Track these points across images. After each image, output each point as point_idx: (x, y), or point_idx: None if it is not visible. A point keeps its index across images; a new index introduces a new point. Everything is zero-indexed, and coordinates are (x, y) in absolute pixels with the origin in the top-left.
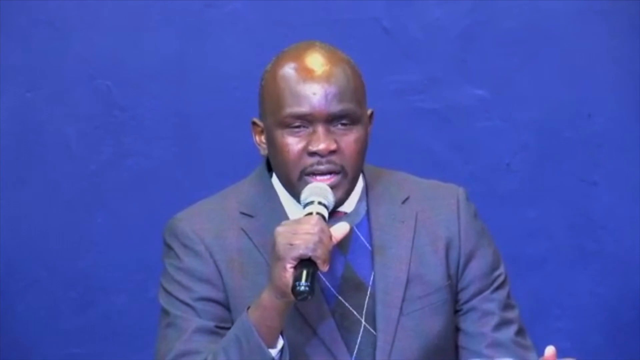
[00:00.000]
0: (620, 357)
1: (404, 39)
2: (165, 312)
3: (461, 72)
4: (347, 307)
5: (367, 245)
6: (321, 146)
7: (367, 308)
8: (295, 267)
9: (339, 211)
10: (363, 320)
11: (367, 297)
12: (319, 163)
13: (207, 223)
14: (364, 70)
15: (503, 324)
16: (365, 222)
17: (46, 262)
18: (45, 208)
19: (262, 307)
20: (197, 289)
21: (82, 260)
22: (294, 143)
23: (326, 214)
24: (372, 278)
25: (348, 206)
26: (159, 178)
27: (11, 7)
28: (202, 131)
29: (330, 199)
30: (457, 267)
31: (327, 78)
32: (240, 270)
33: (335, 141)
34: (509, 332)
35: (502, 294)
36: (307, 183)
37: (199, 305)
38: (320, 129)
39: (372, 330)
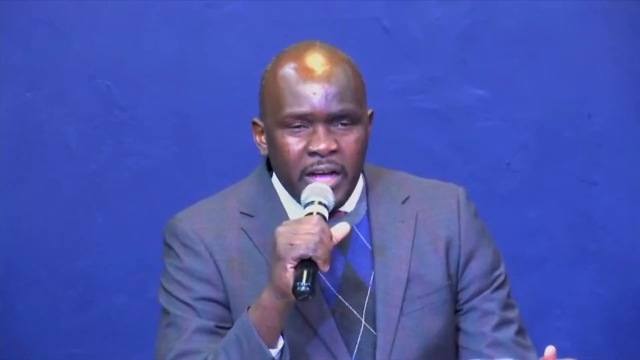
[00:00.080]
0: (620, 357)
1: (404, 39)
2: (165, 312)
3: (461, 72)
4: (347, 306)
5: (367, 244)
6: (321, 146)
7: (367, 308)
8: (295, 268)
9: (339, 211)
10: (363, 320)
11: (367, 296)
12: (319, 163)
13: (207, 223)
14: (364, 70)
15: (503, 323)
16: (365, 221)
17: (46, 262)
18: (45, 208)
19: (262, 307)
20: (197, 289)
21: (82, 260)
22: (294, 143)
23: (326, 214)
24: (372, 278)
25: (348, 206)
26: (159, 178)
27: (11, 7)
28: (202, 131)
29: (330, 199)
30: (457, 266)
31: (327, 78)
32: (240, 270)
33: (336, 141)
34: (509, 331)
35: (502, 293)
36: (307, 183)
37: (199, 305)
38: (320, 128)
39: (372, 330)
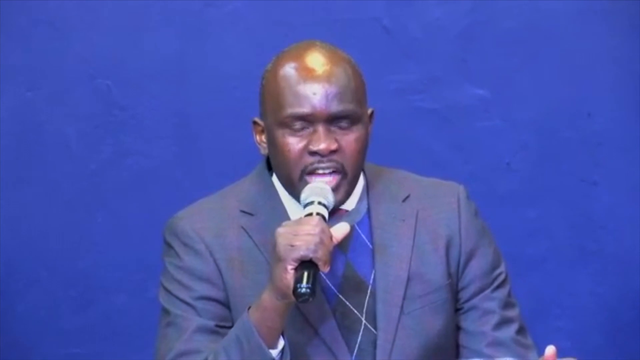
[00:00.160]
0: (620, 357)
1: (404, 38)
2: (166, 312)
3: (461, 72)
4: (347, 306)
5: (368, 243)
6: (322, 146)
7: (367, 307)
8: (296, 269)
9: (340, 209)
10: (363, 319)
11: (368, 295)
12: (319, 162)
13: (207, 222)
14: (364, 70)
15: (503, 322)
16: (365, 220)
17: (46, 262)
18: (45, 208)
19: (262, 308)
20: (197, 288)
21: (82, 260)
22: (294, 143)
23: (326, 214)
24: (372, 277)
25: (349, 204)
26: (159, 178)
27: (11, 7)
28: (202, 131)
29: (330, 199)
30: (458, 265)
31: (327, 78)
32: (240, 269)
33: (336, 141)
34: (510, 330)
35: (502, 292)
36: (307, 182)
37: (199, 304)
38: (320, 128)
39: (373, 329)
